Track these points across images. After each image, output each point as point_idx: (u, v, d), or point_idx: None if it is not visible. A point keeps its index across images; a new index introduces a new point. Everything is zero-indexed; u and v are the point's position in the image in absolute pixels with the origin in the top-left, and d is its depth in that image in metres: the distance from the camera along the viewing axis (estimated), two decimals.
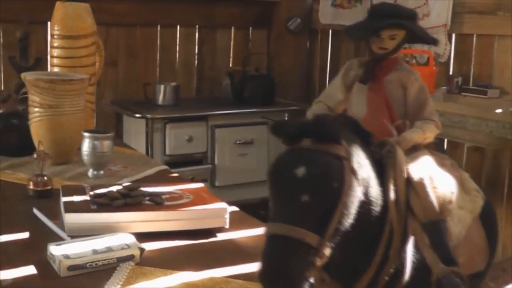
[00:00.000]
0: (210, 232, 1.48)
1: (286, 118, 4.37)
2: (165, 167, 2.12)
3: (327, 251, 0.96)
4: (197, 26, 4.68)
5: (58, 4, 2.21)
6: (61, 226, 1.43)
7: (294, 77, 4.91)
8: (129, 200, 1.45)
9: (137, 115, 3.82)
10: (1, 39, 4.03)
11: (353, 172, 0.98)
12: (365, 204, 1.00)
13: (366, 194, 1.00)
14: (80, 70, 2.17)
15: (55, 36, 2.20)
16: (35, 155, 1.73)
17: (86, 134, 1.86)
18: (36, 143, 2.02)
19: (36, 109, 1.96)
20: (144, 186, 1.57)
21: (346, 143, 1.00)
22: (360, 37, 1.66)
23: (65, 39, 2.18)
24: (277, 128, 1.04)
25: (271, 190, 1.01)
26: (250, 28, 4.92)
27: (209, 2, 4.58)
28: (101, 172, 1.91)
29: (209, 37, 4.74)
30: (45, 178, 1.72)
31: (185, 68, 4.67)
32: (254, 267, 1.31)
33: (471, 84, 3.69)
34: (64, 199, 1.48)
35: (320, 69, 4.93)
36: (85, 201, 1.47)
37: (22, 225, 1.51)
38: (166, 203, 1.48)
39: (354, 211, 0.97)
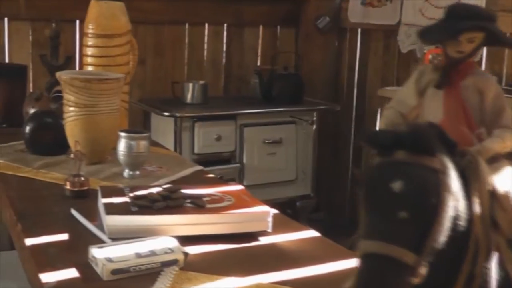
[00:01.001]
0: (252, 236, 1.45)
1: (314, 118, 4.34)
2: (200, 167, 2.09)
3: (423, 270, 0.92)
4: (225, 24, 4.65)
5: (92, 2, 2.19)
6: (101, 227, 1.41)
7: (322, 76, 4.88)
8: (170, 203, 1.42)
9: (166, 114, 3.80)
10: (30, 37, 4.03)
11: (448, 186, 0.93)
12: (454, 219, 0.96)
13: (455, 208, 0.96)
14: (114, 69, 2.15)
15: (89, 35, 2.18)
16: (72, 155, 1.71)
17: (122, 134, 1.84)
18: (70, 143, 2.00)
19: (71, 108, 1.94)
20: (183, 188, 1.55)
21: (440, 154, 0.95)
22: (438, 41, 1.57)
23: (99, 38, 2.16)
24: (372, 139, 0.99)
25: (365, 204, 0.96)
26: (278, 26, 4.88)
27: (237, 0, 4.55)
28: (137, 172, 1.88)
29: (237, 35, 4.71)
30: (82, 178, 1.70)
31: (213, 66, 4.65)
32: (300, 273, 1.28)
33: (503, 83, 3.62)
34: (103, 200, 1.45)
35: (348, 68, 4.89)
36: (125, 202, 1.44)
37: (60, 225, 1.49)
38: (208, 205, 1.45)
39: (447, 227, 0.93)
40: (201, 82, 4.18)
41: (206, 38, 4.59)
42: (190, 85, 4.10)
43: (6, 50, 3.98)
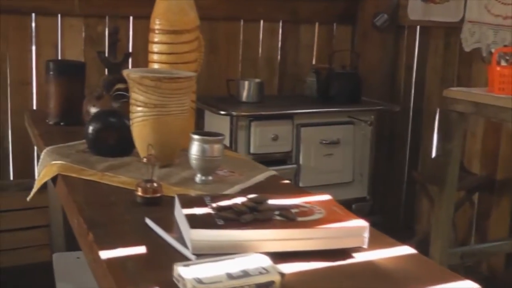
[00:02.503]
0: (346, 252, 1.32)
1: (372, 118, 4.20)
2: (274, 172, 1.97)
3: None
4: (280, 21, 4.53)
5: None
6: (181, 241, 1.29)
7: (378, 75, 4.72)
8: (258, 215, 1.29)
9: (222, 112, 3.69)
10: (83, 34, 3.95)
11: None
12: None
13: None
14: (182, 66, 2.03)
15: (156, 31, 2.06)
16: (144, 159, 1.59)
17: (195, 136, 1.72)
18: (137, 144, 1.89)
19: (140, 109, 1.82)
20: (270, 198, 1.41)
21: None
22: None
23: (167, 34, 2.04)
24: None
25: None
26: (335, 24, 4.74)
27: None
28: (210, 177, 1.76)
29: (292, 32, 4.59)
30: (155, 184, 1.58)
31: (268, 64, 4.53)
32: None
33: None
34: (184, 211, 1.32)
35: (406, 67, 4.73)
36: (209, 214, 1.31)
37: (135, 236, 1.37)
38: (299, 218, 1.32)
39: None
40: (257, 80, 4.07)
41: (261, 35, 4.48)
42: (246, 83, 3.99)
43: (59, 46, 3.91)
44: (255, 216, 1.29)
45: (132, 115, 1.86)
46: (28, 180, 3.87)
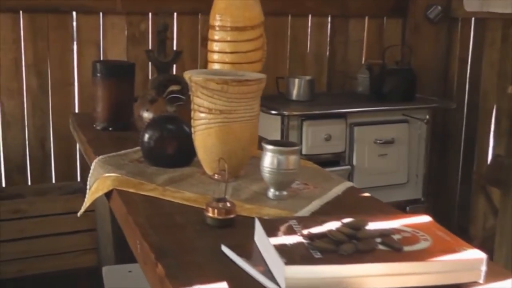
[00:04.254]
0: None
1: (427, 116, 3.98)
2: (351, 183, 1.78)
3: None
4: (329, 15, 4.33)
5: None
6: (268, 275, 1.10)
7: (431, 71, 4.50)
8: (360, 245, 1.10)
9: (273, 112, 3.51)
10: (126, 32, 3.80)
11: None
12: None
13: None
14: (247, 67, 1.85)
15: (217, 28, 1.89)
16: (216, 176, 1.41)
17: (268, 147, 1.53)
18: (200, 155, 1.72)
19: (203, 115, 1.64)
20: (368, 221, 1.22)
21: None
22: None
23: (229, 31, 1.86)
24: None
25: None
26: (385, 17, 4.53)
27: None
28: (284, 192, 1.58)
29: (341, 27, 4.39)
30: (228, 204, 1.40)
31: (316, 60, 4.34)
32: None
33: None
34: (272, 240, 1.13)
35: (459, 62, 4.50)
36: (301, 245, 1.12)
37: (212, 269, 1.17)
38: (405, 248, 1.12)
39: None
40: (308, 77, 3.88)
41: (309, 30, 4.28)
42: (296, 80, 3.81)
43: (101, 46, 3.77)
44: (356, 246, 1.10)
45: (194, 122, 1.69)
46: (71, 182, 3.74)
